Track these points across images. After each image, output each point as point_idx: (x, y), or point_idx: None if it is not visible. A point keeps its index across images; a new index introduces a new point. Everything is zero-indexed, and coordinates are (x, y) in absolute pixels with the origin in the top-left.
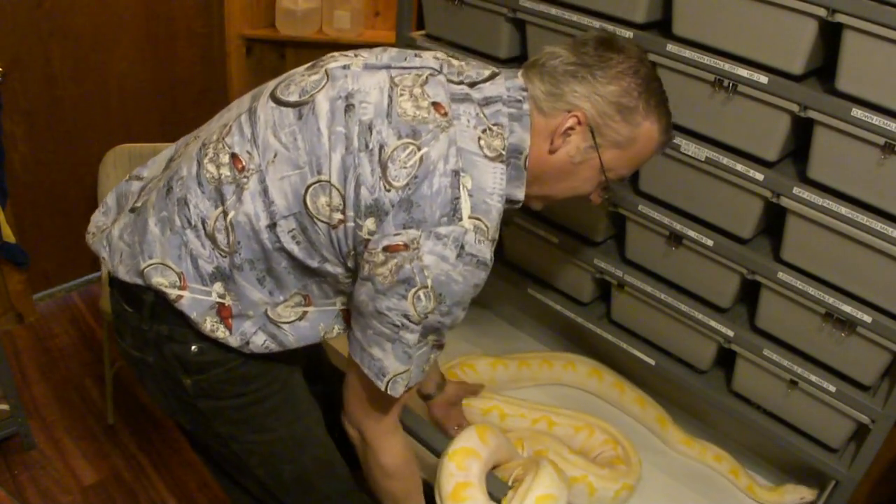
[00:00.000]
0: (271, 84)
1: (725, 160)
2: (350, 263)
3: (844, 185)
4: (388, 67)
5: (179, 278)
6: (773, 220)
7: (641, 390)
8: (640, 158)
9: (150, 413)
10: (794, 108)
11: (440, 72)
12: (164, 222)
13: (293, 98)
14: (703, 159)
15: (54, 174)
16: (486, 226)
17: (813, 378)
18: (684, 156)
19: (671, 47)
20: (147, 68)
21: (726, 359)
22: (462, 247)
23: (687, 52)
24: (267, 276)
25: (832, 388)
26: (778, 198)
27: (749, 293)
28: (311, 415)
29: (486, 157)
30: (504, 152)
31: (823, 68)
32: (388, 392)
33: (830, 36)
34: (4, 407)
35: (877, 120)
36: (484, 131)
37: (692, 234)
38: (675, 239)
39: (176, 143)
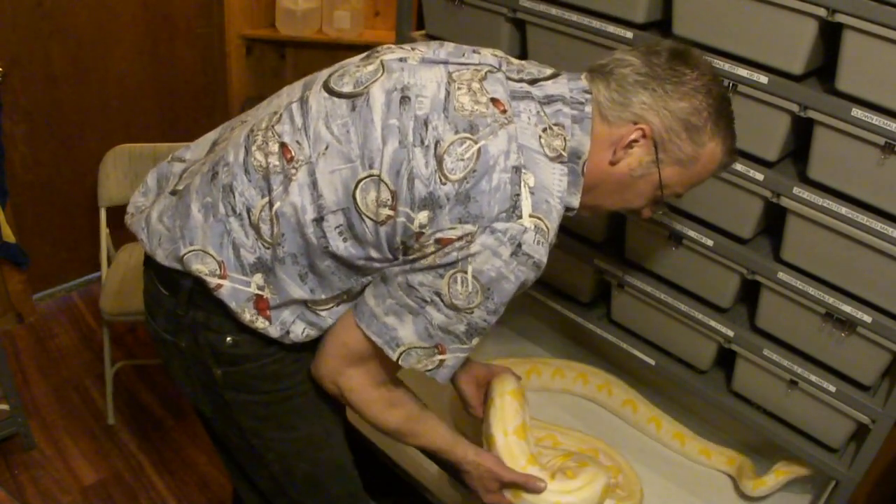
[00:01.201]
0: (325, 73)
1: None
2: (399, 256)
3: (844, 185)
4: (445, 63)
5: (219, 266)
6: (773, 220)
7: (656, 408)
8: (699, 178)
9: (150, 413)
10: (794, 108)
11: (499, 69)
12: (208, 208)
13: (347, 89)
14: None
15: (54, 174)
16: (546, 227)
17: (813, 378)
18: None
19: None
20: (147, 68)
21: (726, 359)
22: (519, 245)
23: None
24: (309, 272)
25: (832, 388)
26: (778, 198)
27: (749, 293)
28: (336, 416)
29: (546, 156)
30: (565, 154)
31: (823, 68)
32: (400, 362)
33: (830, 36)
34: (4, 407)
35: (877, 120)
36: (544, 130)
37: (692, 234)
38: (675, 239)
39: (221, 126)
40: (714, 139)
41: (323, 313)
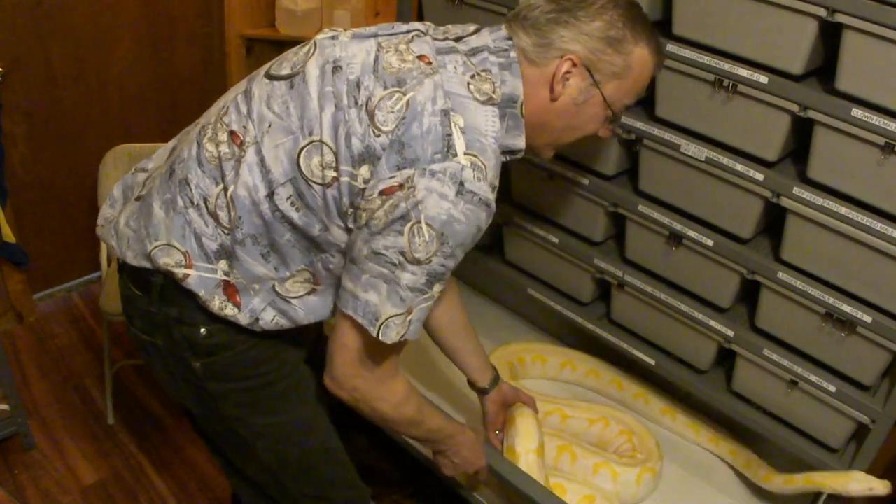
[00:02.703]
0: (267, 64)
1: (725, 160)
2: (351, 224)
3: (844, 185)
4: (375, 36)
5: (185, 257)
6: (773, 220)
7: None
8: (640, 83)
9: (150, 413)
10: (794, 108)
11: (426, 33)
12: (168, 204)
13: (285, 72)
14: (703, 159)
15: (54, 174)
16: (482, 163)
17: (813, 378)
18: (684, 156)
19: (671, 47)
20: (147, 68)
21: (726, 359)
22: (461, 183)
23: (687, 52)
24: (271, 251)
25: (832, 388)
26: (778, 198)
27: (749, 293)
28: (320, 400)
29: (475, 100)
30: (495, 97)
31: (823, 68)
32: (380, 337)
33: (830, 36)
34: (4, 407)
35: (877, 120)
36: (472, 77)
37: (692, 234)
38: (675, 239)
39: (179, 133)
40: (638, 44)
41: (294, 301)
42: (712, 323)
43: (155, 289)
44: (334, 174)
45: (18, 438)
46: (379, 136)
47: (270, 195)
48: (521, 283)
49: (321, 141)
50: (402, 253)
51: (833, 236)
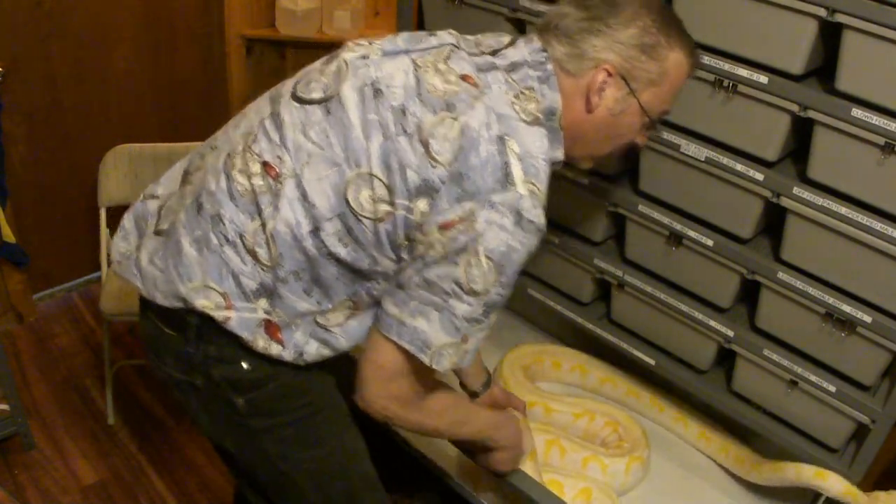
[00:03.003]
0: (289, 83)
1: (725, 160)
2: (405, 255)
3: (844, 185)
4: (407, 52)
5: (224, 298)
6: (773, 220)
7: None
8: (675, 88)
9: (150, 413)
10: (794, 108)
11: (459, 47)
12: (200, 242)
13: (317, 95)
14: (703, 159)
15: (54, 174)
16: (538, 189)
17: (813, 378)
18: (684, 156)
19: None
20: (147, 68)
21: (726, 359)
22: (520, 213)
23: None
24: (314, 285)
25: (832, 388)
26: (778, 198)
27: (749, 293)
28: (357, 427)
29: (523, 121)
30: (541, 115)
31: (823, 68)
32: (433, 365)
33: (830, 36)
34: (4, 407)
35: (877, 120)
36: (516, 96)
37: (692, 234)
38: (675, 239)
39: (189, 155)
40: (673, 48)
41: (335, 330)
42: (712, 323)
43: (191, 329)
44: (388, 208)
45: (18, 438)
46: (436, 167)
47: (315, 231)
48: (521, 283)
49: (371, 174)
50: (458, 283)
51: (833, 236)
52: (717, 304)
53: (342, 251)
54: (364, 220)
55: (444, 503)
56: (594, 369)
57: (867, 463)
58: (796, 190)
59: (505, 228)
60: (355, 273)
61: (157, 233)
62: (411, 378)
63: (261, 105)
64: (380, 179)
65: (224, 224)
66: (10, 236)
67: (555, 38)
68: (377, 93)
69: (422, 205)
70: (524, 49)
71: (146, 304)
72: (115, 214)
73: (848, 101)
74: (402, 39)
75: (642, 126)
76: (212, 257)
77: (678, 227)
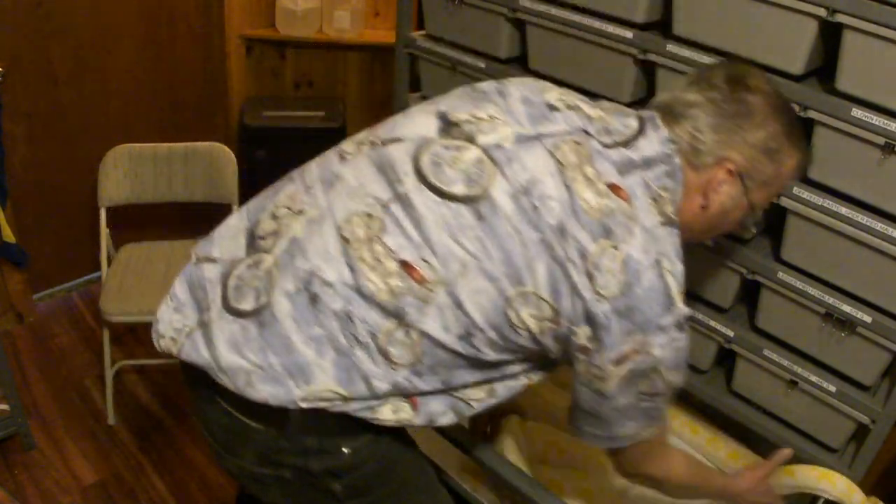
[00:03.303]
0: (401, 153)
1: None
2: (553, 356)
3: (844, 185)
4: (538, 137)
5: (344, 399)
6: (774, 220)
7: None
8: (781, 188)
9: (151, 413)
10: (794, 108)
11: (589, 134)
12: (321, 342)
13: (459, 190)
14: None
15: (54, 174)
16: (684, 289)
17: (813, 378)
18: None
19: (671, 47)
20: (147, 68)
21: (726, 359)
22: (682, 323)
23: (687, 52)
24: (451, 378)
25: (832, 388)
26: (778, 198)
27: (749, 293)
28: (442, 486)
29: (661, 224)
30: (674, 217)
31: (823, 68)
32: (650, 437)
33: (830, 36)
34: (4, 407)
35: (877, 120)
36: (654, 199)
37: None
38: None
39: (245, 209)
40: (792, 155)
41: (474, 404)
42: (712, 323)
43: (292, 424)
44: (551, 325)
45: (18, 438)
46: (601, 301)
47: (466, 336)
48: None
49: (537, 295)
50: (647, 394)
51: (833, 236)
52: (718, 304)
53: (490, 353)
54: (522, 332)
55: None
56: None
57: (867, 463)
58: (796, 190)
59: (676, 341)
60: (494, 366)
61: (237, 313)
62: (646, 455)
63: (363, 171)
64: (547, 302)
65: (355, 324)
66: (10, 236)
67: (680, 128)
68: (534, 207)
69: (585, 330)
70: (654, 140)
71: (218, 392)
72: (115, 214)
73: (848, 101)
74: (524, 113)
75: (742, 221)
76: (340, 360)
77: None
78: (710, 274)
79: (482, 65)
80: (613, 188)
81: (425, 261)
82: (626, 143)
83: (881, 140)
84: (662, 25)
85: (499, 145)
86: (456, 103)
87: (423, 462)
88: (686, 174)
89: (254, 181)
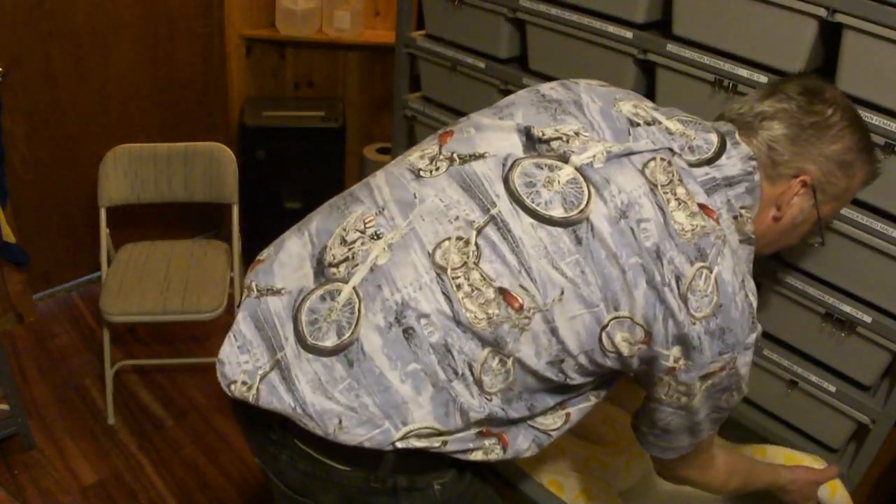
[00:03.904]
0: (489, 170)
1: None
2: (631, 373)
3: None
4: (628, 154)
5: (443, 435)
6: None
7: None
8: (848, 202)
9: (150, 413)
10: None
11: (674, 152)
12: (419, 378)
13: (557, 213)
14: None
15: (54, 174)
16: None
17: (813, 378)
18: None
19: (671, 47)
20: (147, 68)
21: None
22: (757, 338)
23: (687, 52)
24: (533, 401)
25: (832, 388)
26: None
27: None
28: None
29: (741, 243)
30: (754, 236)
31: (823, 68)
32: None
33: (830, 36)
34: (4, 407)
35: (877, 120)
36: (735, 218)
37: None
38: None
39: (304, 232)
40: (863, 168)
41: (553, 433)
42: None
43: (386, 465)
44: (642, 347)
45: (18, 438)
46: (695, 323)
47: (557, 363)
48: None
49: (632, 320)
50: (721, 409)
51: (833, 236)
52: None
53: (576, 376)
54: (611, 356)
55: None
56: None
57: (867, 463)
58: None
59: (750, 357)
60: (572, 388)
61: (317, 351)
62: (691, 464)
63: (448, 192)
64: (642, 327)
65: (453, 356)
66: (10, 236)
67: (756, 139)
68: (632, 231)
69: (675, 352)
70: (736, 157)
71: (297, 436)
72: (115, 214)
73: (872, 142)
74: (607, 129)
75: (810, 234)
76: (438, 395)
77: None
78: None
79: (482, 65)
80: (704, 209)
81: (523, 287)
82: (710, 161)
83: (881, 140)
84: (662, 25)
85: (591, 164)
86: (533, 117)
87: (496, 495)
88: (763, 187)
89: (254, 181)
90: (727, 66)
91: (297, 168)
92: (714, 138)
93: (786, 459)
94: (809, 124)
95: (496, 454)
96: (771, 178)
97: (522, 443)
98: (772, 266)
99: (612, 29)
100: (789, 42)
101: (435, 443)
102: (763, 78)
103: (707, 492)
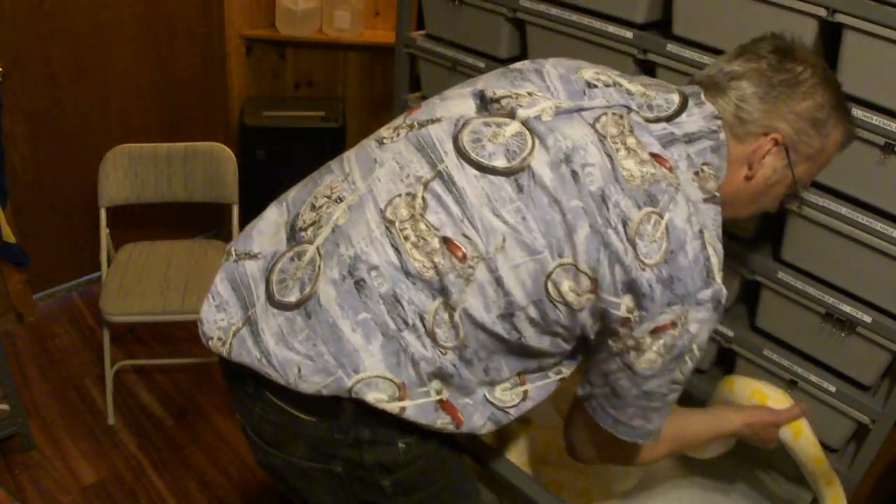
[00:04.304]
0: (441, 132)
1: None
2: (590, 334)
3: (844, 185)
4: (579, 111)
5: (399, 388)
6: (773, 220)
7: None
8: (825, 164)
9: (151, 413)
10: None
11: (631, 108)
12: (369, 326)
13: (500, 163)
14: None
15: (54, 174)
16: (722, 269)
17: (813, 378)
18: None
19: (671, 47)
20: (147, 68)
21: (726, 359)
22: (719, 302)
23: (687, 52)
24: (489, 363)
25: (832, 388)
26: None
27: (749, 293)
28: (476, 480)
29: (703, 201)
30: (718, 194)
31: None
32: (651, 442)
33: (830, 36)
34: (4, 407)
35: (877, 120)
36: (696, 174)
37: None
38: None
39: (282, 202)
40: (837, 127)
41: (511, 411)
42: None
43: (345, 415)
44: (591, 297)
45: (18, 438)
46: (644, 269)
47: (507, 316)
48: None
49: (576, 267)
50: (675, 382)
51: (833, 236)
52: None
53: (530, 332)
54: (561, 307)
55: None
56: None
57: (867, 463)
58: None
59: (710, 320)
60: (534, 352)
61: (282, 306)
62: (630, 455)
63: (403, 153)
64: (586, 274)
65: (402, 306)
66: (10, 236)
67: (724, 100)
68: (574, 175)
69: (627, 301)
70: (698, 116)
71: (267, 388)
72: (115, 214)
73: (848, 102)
74: (562, 89)
75: (785, 196)
76: (389, 344)
77: None
78: None
79: (482, 65)
80: (656, 157)
81: (466, 236)
82: (669, 119)
83: (881, 140)
84: (662, 25)
85: (538, 118)
86: (493, 83)
87: (466, 466)
88: (730, 146)
89: (254, 181)
90: None
91: (297, 168)
92: (676, 98)
93: (752, 394)
94: (779, 81)
95: (453, 428)
96: (739, 137)
97: (478, 420)
98: (772, 266)
99: (612, 29)
100: None
101: (394, 407)
102: None
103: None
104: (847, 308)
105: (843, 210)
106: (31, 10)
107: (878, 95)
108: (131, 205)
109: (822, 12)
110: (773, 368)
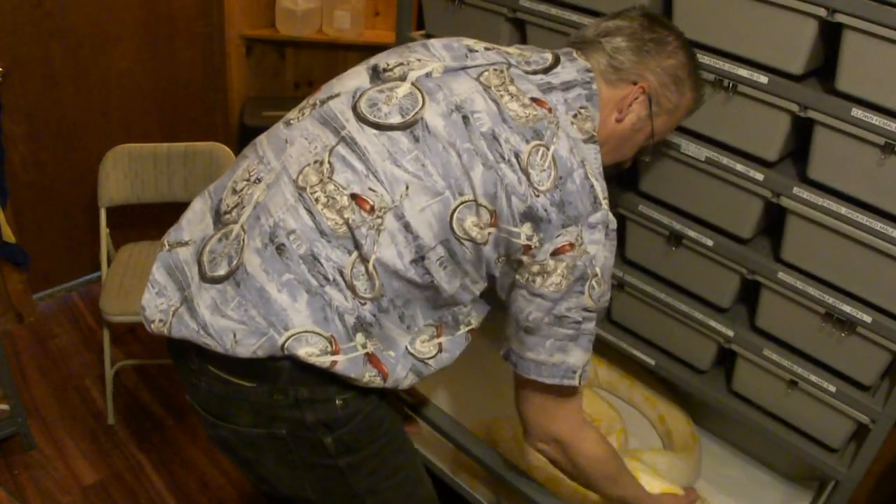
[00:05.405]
0: (341, 105)
1: (725, 160)
2: (496, 272)
3: (844, 185)
4: (464, 68)
5: (330, 342)
6: (773, 220)
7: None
8: (676, 124)
9: (151, 413)
10: (794, 108)
11: (510, 64)
12: (293, 286)
13: (395, 120)
14: (703, 159)
15: (54, 174)
16: (608, 199)
17: (813, 378)
18: (684, 156)
19: None
20: (147, 68)
21: (726, 359)
22: (608, 226)
23: None
24: (405, 311)
25: (832, 388)
26: (778, 198)
27: (749, 293)
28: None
29: (583, 140)
30: (594, 133)
31: (823, 68)
32: (582, 382)
33: (830, 36)
34: (4, 407)
35: (877, 120)
36: (574, 116)
37: (692, 234)
38: (675, 239)
39: (204, 194)
40: (693, 89)
41: (430, 362)
42: (712, 323)
43: (282, 375)
44: (493, 230)
45: (18, 438)
46: (538, 196)
47: (419, 260)
48: None
49: (476, 202)
50: (586, 309)
51: (833, 236)
52: (717, 304)
53: (441, 274)
54: (466, 243)
55: (444, 502)
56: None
57: (867, 463)
58: (796, 190)
59: (605, 245)
60: (446, 296)
61: (214, 280)
62: (566, 411)
63: (310, 129)
64: (486, 207)
65: (321, 263)
66: (10, 236)
67: (597, 54)
68: (465, 120)
69: (526, 229)
70: (572, 68)
71: (209, 361)
72: (115, 214)
73: (848, 101)
74: (447, 54)
75: (642, 148)
76: (313, 300)
77: (678, 227)
78: (710, 274)
79: None
80: (537, 101)
81: (372, 190)
82: (546, 71)
83: (881, 140)
84: None
85: (428, 75)
86: (384, 57)
87: (399, 422)
88: (603, 91)
89: None
90: (727, 66)
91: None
92: (549, 56)
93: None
94: (649, 39)
95: (379, 382)
96: (612, 83)
97: (401, 371)
98: (772, 266)
99: None
100: (789, 42)
101: (325, 361)
102: (763, 78)
103: (581, 478)
104: (847, 308)
105: (843, 210)
106: (31, 10)
107: (878, 95)
108: (131, 205)
109: (822, 12)
110: (773, 368)
